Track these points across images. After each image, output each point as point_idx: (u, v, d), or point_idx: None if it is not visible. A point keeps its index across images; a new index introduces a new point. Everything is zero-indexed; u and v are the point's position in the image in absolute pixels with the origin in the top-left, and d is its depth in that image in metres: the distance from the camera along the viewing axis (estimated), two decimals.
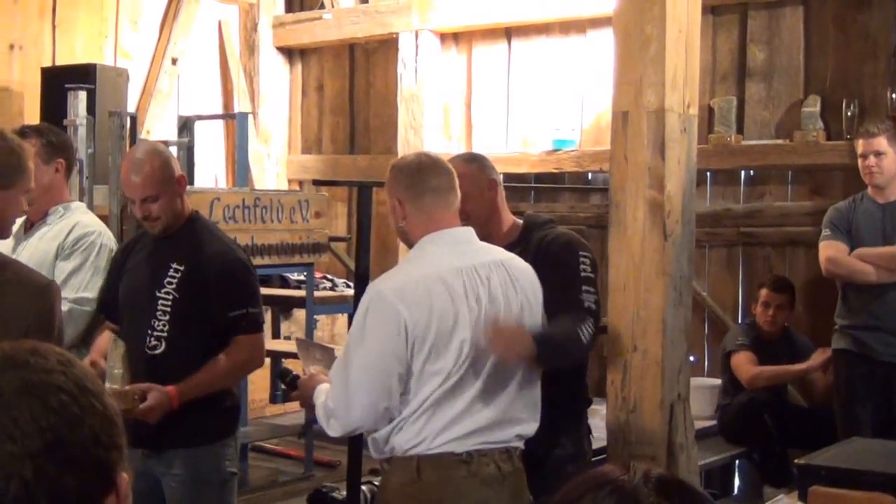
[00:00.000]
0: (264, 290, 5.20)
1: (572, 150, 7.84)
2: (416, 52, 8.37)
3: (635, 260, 4.13)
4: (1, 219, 3.08)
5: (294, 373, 3.80)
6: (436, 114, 8.46)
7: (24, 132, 4.32)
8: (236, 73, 9.06)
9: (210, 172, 8.75)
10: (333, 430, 3.21)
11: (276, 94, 9.27)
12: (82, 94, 5.91)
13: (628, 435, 4.12)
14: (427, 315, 3.08)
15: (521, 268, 3.37)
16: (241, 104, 8.93)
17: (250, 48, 9.17)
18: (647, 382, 4.08)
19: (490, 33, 8.32)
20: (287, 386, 3.82)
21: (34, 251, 4.29)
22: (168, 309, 3.91)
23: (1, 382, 1.15)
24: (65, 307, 4.19)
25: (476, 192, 3.71)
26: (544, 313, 3.41)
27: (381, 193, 8.69)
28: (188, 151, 7.17)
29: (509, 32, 8.27)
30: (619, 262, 4.20)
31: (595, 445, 5.12)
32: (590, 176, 8.11)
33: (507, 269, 3.30)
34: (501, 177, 4.03)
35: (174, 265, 3.93)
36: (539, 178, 8.24)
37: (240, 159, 7.38)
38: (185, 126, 7.36)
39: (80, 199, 5.44)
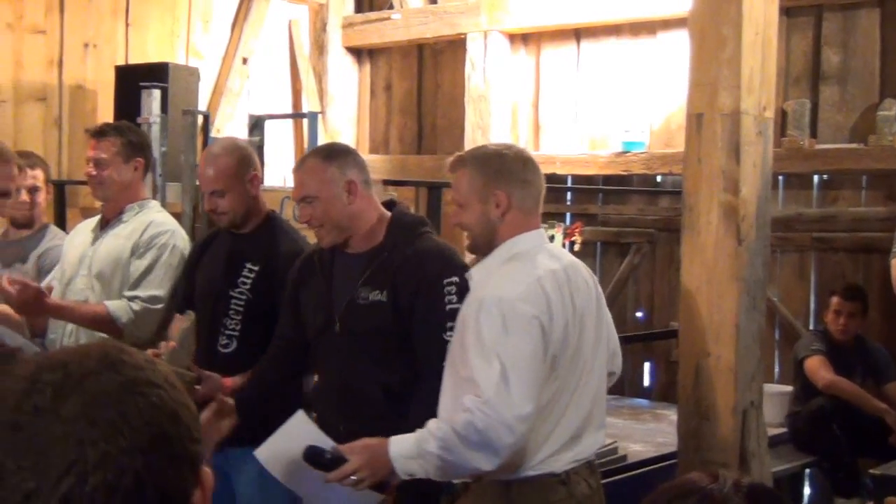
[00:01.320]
0: None
1: (641, 153, 7.78)
2: (485, 52, 8.35)
3: (708, 264, 4.08)
4: None
5: (329, 449, 2.96)
6: (503, 115, 8.43)
7: (105, 130, 4.38)
8: (305, 72, 9.11)
9: (279, 172, 8.81)
10: (498, 451, 2.71)
11: (345, 94, 9.31)
12: (156, 93, 5.98)
13: (700, 441, 4.06)
14: (548, 320, 2.89)
15: (588, 272, 3.20)
16: (309, 104, 8.99)
17: (319, 48, 9.22)
18: (719, 388, 4.03)
19: (559, 34, 8.28)
20: (326, 467, 2.94)
21: (110, 248, 4.34)
22: (241, 308, 3.92)
23: (104, 381, 1.19)
24: (136, 306, 4.25)
25: (332, 194, 3.46)
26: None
27: (450, 194, 8.72)
28: (259, 150, 7.23)
29: (578, 33, 8.22)
30: (691, 267, 4.14)
31: (665, 451, 5.06)
32: (659, 178, 8.05)
33: (582, 272, 3.14)
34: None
35: (248, 265, 3.95)
36: (607, 180, 8.18)
37: None
38: (256, 125, 7.43)
39: (153, 197, 5.52)
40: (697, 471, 1.44)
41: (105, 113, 7.40)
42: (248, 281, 3.93)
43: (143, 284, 4.28)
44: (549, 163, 7.82)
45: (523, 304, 2.84)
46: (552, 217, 8.26)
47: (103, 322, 4.18)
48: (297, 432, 3.01)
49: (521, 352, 2.80)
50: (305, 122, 7.78)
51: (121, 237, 4.38)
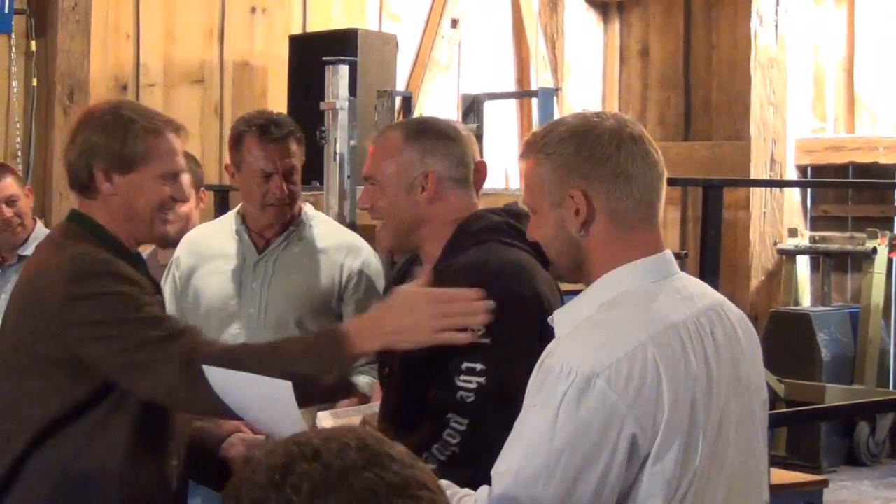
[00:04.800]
0: None
1: None
2: (777, 1, 8.28)
3: None
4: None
5: None
6: (804, 85, 8.20)
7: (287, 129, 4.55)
8: (534, 36, 9.14)
9: (500, 167, 8.91)
10: None
11: (587, 64, 9.24)
12: (343, 70, 6.10)
13: None
14: (654, 408, 2.52)
15: (737, 315, 2.78)
16: (540, 78, 9.02)
17: (552, 3, 9.20)
18: None
19: None
20: None
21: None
22: None
23: (369, 480, 1.31)
24: None
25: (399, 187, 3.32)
26: None
27: (733, 194, 8.63)
28: (476, 140, 7.31)
29: None
30: None
31: None
32: None
33: (729, 317, 2.74)
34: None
35: None
36: None
37: None
38: (472, 107, 7.53)
39: (342, 203, 5.69)
40: None
41: (276, 96, 7.60)
42: None
43: None
44: (867, 148, 7.59)
45: (605, 386, 2.48)
46: (873, 223, 8.03)
47: None
48: (272, 395, 3.02)
49: (572, 450, 2.49)
50: (535, 101, 7.82)
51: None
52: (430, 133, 3.38)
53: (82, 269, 2.95)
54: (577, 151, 2.59)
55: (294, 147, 4.14)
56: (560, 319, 2.68)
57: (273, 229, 4.20)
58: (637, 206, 2.58)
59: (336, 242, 4.27)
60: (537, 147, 2.65)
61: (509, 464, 2.53)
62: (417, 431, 3.09)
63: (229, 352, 3.06)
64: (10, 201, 5.19)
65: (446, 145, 3.39)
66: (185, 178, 3.25)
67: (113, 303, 2.93)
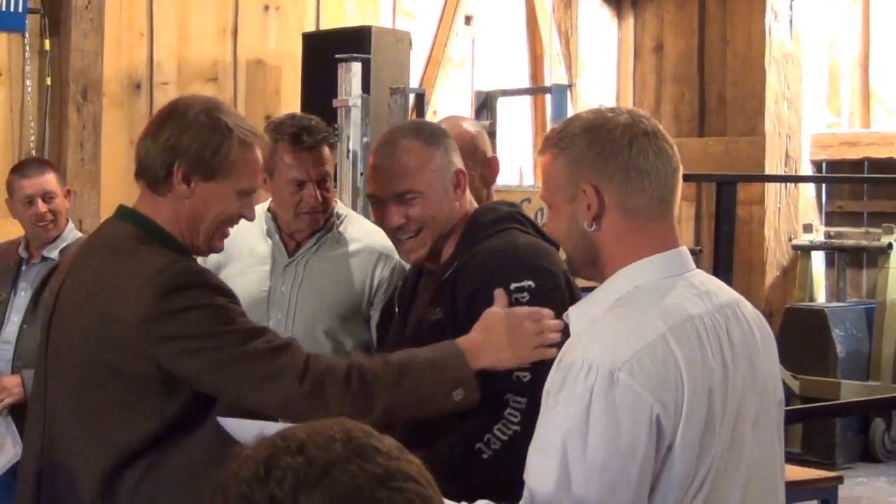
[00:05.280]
0: None
1: None
2: None
3: None
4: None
5: None
6: (818, 80, 8.18)
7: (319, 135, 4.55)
8: (548, 32, 9.13)
9: (514, 163, 8.90)
10: None
11: (601, 60, 9.23)
12: (356, 67, 6.11)
13: None
14: (675, 396, 2.54)
15: (753, 313, 2.77)
16: (553, 74, 9.01)
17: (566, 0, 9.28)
18: None
19: None
20: None
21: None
22: None
23: (353, 472, 1.31)
24: None
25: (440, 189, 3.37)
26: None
27: (748, 190, 8.58)
28: (490, 136, 7.32)
29: None
30: None
31: None
32: None
33: (745, 315, 2.73)
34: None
35: None
36: None
37: None
38: (485, 104, 7.53)
39: (355, 200, 5.69)
40: None
41: (290, 95, 7.61)
42: None
43: None
44: (883, 144, 7.57)
45: (628, 378, 2.49)
46: (889, 219, 8.02)
47: None
48: (240, 428, 3.02)
49: (607, 448, 2.50)
50: (548, 98, 7.82)
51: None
52: (440, 133, 3.45)
53: (172, 282, 2.81)
54: (589, 146, 2.59)
55: (327, 153, 4.04)
56: (575, 316, 2.68)
57: (305, 233, 4.14)
58: (650, 201, 2.57)
59: (368, 245, 4.18)
60: (553, 142, 2.64)
61: (546, 470, 2.52)
62: (473, 416, 3.10)
63: (385, 365, 2.98)
64: (48, 197, 5.19)
65: (452, 142, 3.46)
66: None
67: (209, 315, 2.82)
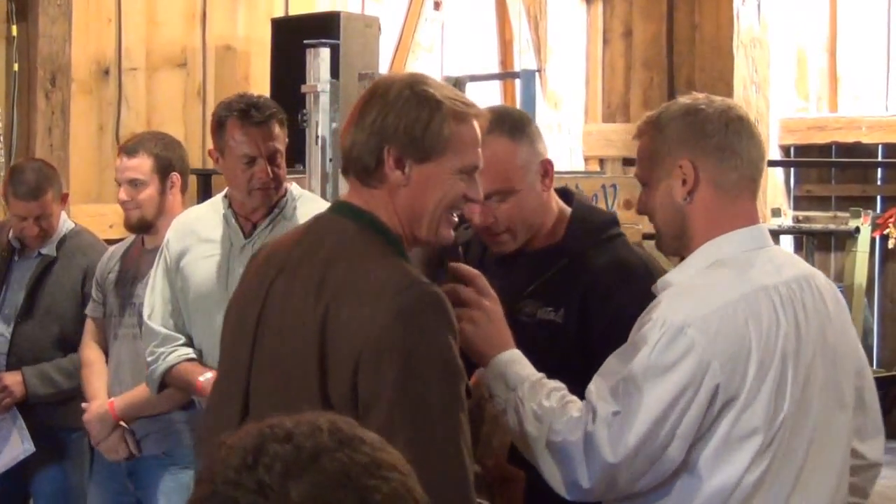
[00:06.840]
0: None
1: None
2: None
3: None
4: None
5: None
6: (786, 65, 8.22)
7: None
8: (517, 18, 9.13)
9: None
10: (567, 484, 2.71)
11: (570, 45, 9.23)
12: (325, 53, 6.10)
13: None
14: (740, 361, 2.72)
15: (827, 285, 2.98)
16: (523, 59, 9.03)
17: None
18: None
19: None
20: None
21: None
22: None
23: (340, 461, 1.33)
24: None
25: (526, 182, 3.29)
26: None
27: None
28: None
29: None
30: None
31: None
32: None
33: (818, 286, 2.92)
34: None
35: None
36: None
37: None
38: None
39: (324, 186, 5.70)
40: None
41: (259, 80, 7.59)
42: None
43: None
44: (851, 128, 7.62)
45: (697, 334, 2.69)
46: (856, 202, 8.05)
47: None
48: None
49: (659, 389, 2.71)
50: (518, 83, 7.82)
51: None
52: (523, 121, 3.39)
53: (414, 308, 2.52)
54: (688, 127, 2.85)
55: (277, 130, 4.12)
56: (662, 284, 2.91)
57: (259, 213, 4.19)
58: (741, 178, 2.86)
59: None
60: (653, 124, 2.90)
61: (604, 395, 2.73)
62: None
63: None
64: (41, 217, 5.06)
65: (535, 128, 3.44)
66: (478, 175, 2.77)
67: (438, 361, 2.50)
